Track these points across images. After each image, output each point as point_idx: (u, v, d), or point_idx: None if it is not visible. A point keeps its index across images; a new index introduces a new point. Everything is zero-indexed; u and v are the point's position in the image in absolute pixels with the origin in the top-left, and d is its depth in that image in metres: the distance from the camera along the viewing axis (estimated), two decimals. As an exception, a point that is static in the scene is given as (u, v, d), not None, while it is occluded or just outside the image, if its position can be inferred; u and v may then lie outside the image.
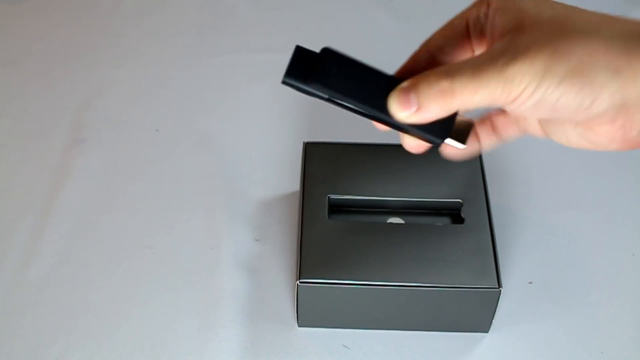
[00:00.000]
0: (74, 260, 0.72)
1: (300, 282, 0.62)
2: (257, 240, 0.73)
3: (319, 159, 0.71)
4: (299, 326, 0.67)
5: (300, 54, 0.48)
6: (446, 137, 0.48)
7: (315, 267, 0.63)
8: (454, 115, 0.46)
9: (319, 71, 0.46)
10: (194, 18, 0.98)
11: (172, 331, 0.66)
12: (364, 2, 1.01)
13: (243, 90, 0.89)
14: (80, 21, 0.97)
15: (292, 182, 0.78)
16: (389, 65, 0.92)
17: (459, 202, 0.68)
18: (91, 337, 0.66)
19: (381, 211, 0.69)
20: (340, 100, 0.47)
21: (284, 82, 0.47)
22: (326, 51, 0.48)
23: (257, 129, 0.84)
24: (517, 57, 0.42)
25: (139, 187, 0.78)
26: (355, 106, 0.47)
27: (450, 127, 0.47)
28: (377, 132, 0.84)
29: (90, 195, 0.77)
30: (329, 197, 0.68)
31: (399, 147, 0.73)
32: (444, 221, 0.69)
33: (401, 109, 0.45)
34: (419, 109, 0.44)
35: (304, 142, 0.73)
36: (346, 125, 0.85)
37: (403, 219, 0.69)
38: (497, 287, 0.62)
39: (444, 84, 0.43)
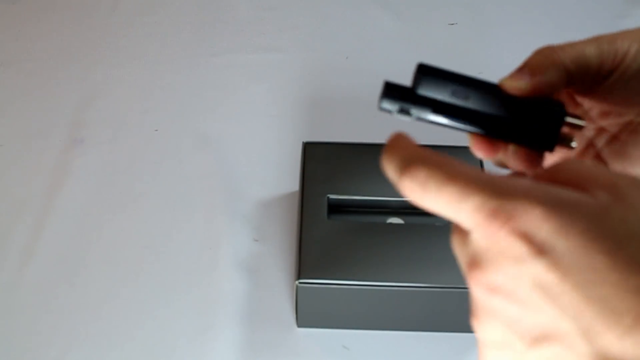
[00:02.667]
0: (73, 260, 0.71)
1: (300, 283, 0.62)
2: (257, 240, 0.73)
3: (318, 159, 0.71)
4: (298, 327, 0.67)
5: (389, 88, 0.45)
6: (554, 145, 0.42)
7: (314, 267, 0.63)
8: (561, 117, 0.41)
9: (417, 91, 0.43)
10: (194, 18, 0.98)
11: (171, 331, 0.66)
12: (364, 2, 1.01)
13: (243, 90, 0.89)
14: (79, 21, 0.97)
15: (291, 182, 0.78)
16: (389, 65, 0.92)
17: None
18: (91, 337, 0.66)
19: (381, 211, 0.69)
20: (446, 122, 0.44)
21: (381, 109, 0.43)
22: (422, 67, 0.44)
23: (257, 129, 0.84)
24: None
25: (138, 187, 0.78)
26: (463, 125, 0.44)
27: (557, 131, 0.41)
28: (376, 132, 0.84)
29: (89, 195, 0.77)
30: (328, 197, 0.68)
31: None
32: (444, 221, 0.69)
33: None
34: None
35: (303, 142, 0.73)
36: (345, 125, 0.85)
37: (403, 219, 0.69)
38: None
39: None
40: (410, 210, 0.70)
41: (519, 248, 0.30)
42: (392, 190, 0.70)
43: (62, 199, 0.76)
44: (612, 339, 0.28)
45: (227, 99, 0.88)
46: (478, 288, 0.32)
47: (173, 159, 0.81)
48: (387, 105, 0.43)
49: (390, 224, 0.68)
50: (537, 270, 0.30)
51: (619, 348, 0.28)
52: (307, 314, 0.65)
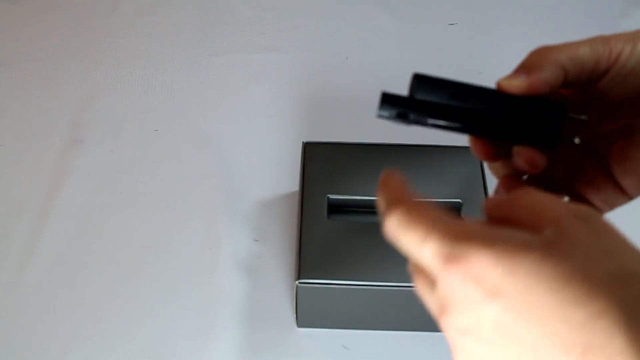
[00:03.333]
0: (73, 261, 0.71)
1: (300, 283, 0.62)
2: (257, 240, 0.73)
3: (319, 159, 0.71)
4: (298, 326, 0.67)
5: (386, 97, 0.44)
6: (557, 142, 0.42)
7: (314, 267, 0.63)
8: (562, 113, 0.42)
9: (414, 98, 0.43)
10: (194, 18, 0.98)
11: (171, 331, 0.66)
12: (364, 2, 1.01)
13: (243, 90, 0.89)
14: (79, 21, 0.97)
15: (291, 182, 0.78)
16: (389, 65, 0.92)
17: (459, 202, 0.68)
18: (91, 337, 0.66)
19: None
20: (444, 123, 0.43)
21: (379, 116, 0.43)
22: (418, 75, 0.44)
23: (257, 129, 0.84)
24: None
25: (138, 187, 0.78)
26: (462, 126, 0.43)
27: (558, 128, 0.42)
28: (376, 132, 0.84)
29: (89, 195, 0.77)
30: (328, 197, 0.68)
31: (398, 147, 0.73)
32: None
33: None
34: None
35: (303, 142, 0.73)
36: (345, 126, 0.85)
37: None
38: None
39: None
40: None
41: (473, 292, 0.33)
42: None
43: (62, 199, 0.76)
44: None
45: (227, 99, 0.88)
46: (449, 331, 0.34)
47: (173, 159, 0.81)
48: (385, 112, 0.42)
49: None
50: (493, 312, 0.32)
51: None
52: (307, 314, 0.65)
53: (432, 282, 0.36)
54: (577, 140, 0.42)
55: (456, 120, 0.43)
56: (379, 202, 0.40)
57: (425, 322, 0.66)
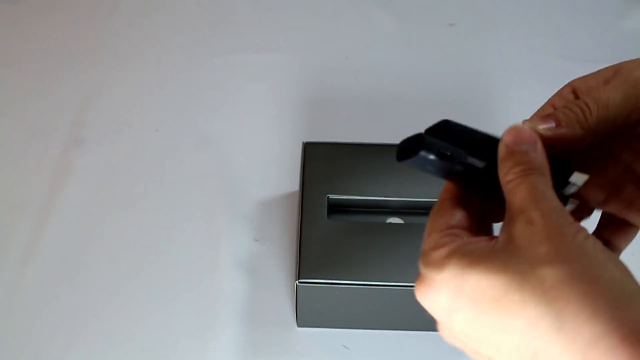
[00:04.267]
0: (73, 260, 0.72)
1: (300, 282, 0.62)
2: (257, 240, 0.73)
3: (319, 159, 0.71)
4: (298, 326, 0.67)
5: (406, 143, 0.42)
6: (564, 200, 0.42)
7: (314, 267, 0.63)
8: (567, 170, 0.41)
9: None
10: (194, 18, 0.98)
11: (171, 331, 0.66)
12: (364, 2, 1.01)
13: (243, 90, 0.89)
14: (80, 21, 0.97)
15: (291, 182, 0.78)
16: (389, 65, 0.92)
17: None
18: (91, 337, 0.66)
19: (380, 211, 0.69)
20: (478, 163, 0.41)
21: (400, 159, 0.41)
22: (445, 122, 0.42)
23: (257, 129, 0.84)
24: None
25: (138, 187, 0.78)
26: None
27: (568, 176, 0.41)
28: (376, 132, 0.84)
29: (89, 195, 0.77)
30: (328, 197, 0.68)
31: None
32: None
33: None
34: None
35: (303, 142, 0.73)
36: (345, 126, 0.85)
37: (402, 219, 0.69)
38: None
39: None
40: (410, 210, 0.70)
41: (437, 311, 0.39)
42: (392, 190, 0.71)
43: (62, 199, 0.76)
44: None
45: (227, 99, 0.88)
46: (447, 340, 0.41)
47: (173, 159, 0.81)
48: (429, 153, 0.40)
49: (390, 224, 0.69)
50: (454, 324, 0.37)
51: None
52: (307, 314, 0.65)
53: None
54: (569, 207, 0.41)
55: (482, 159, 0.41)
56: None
57: (425, 322, 0.66)
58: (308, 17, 0.98)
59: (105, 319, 0.67)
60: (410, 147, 0.40)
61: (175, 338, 0.66)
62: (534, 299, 0.33)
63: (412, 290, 0.62)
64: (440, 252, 0.38)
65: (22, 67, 0.91)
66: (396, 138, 0.82)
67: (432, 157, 0.40)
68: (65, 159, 0.80)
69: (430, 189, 0.69)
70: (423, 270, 0.39)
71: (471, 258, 0.36)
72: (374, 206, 0.69)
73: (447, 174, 0.41)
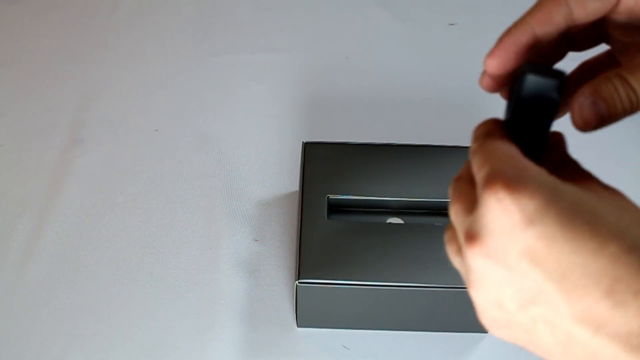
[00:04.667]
0: (73, 260, 0.72)
1: (300, 283, 0.62)
2: (257, 240, 0.73)
3: (319, 159, 0.71)
4: (298, 326, 0.67)
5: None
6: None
7: (314, 267, 0.63)
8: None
9: None
10: (194, 18, 0.98)
11: (171, 331, 0.66)
12: (364, 2, 1.01)
13: (243, 90, 0.89)
14: (79, 21, 0.97)
15: (291, 182, 0.78)
16: (389, 65, 0.92)
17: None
18: (91, 337, 0.66)
19: (380, 211, 0.69)
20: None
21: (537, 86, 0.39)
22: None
23: (257, 129, 0.84)
24: None
25: (138, 187, 0.78)
26: None
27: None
28: (376, 132, 0.84)
29: (89, 195, 0.77)
30: (328, 197, 0.68)
31: (398, 147, 0.73)
32: (444, 221, 0.69)
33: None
34: None
35: (303, 142, 0.73)
36: (345, 126, 0.85)
37: (402, 219, 0.69)
38: None
39: None
40: (410, 210, 0.70)
41: (512, 217, 0.34)
42: (392, 190, 0.71)
43: (62, 199, 0.76)
44: (591, 302, 0.32)
45: (227, 99, 0.88)
46: (474, 256, 0.35)
47: (173, 159, 0.81)
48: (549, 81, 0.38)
49: (390, 224, 0.69)
50: (526, 238, 0.33)
51: (597, 310, 0.32)
52: (307, 314, 0.65)
53: (467, 212, 0.37)
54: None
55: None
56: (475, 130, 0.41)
57: (426, 322, 0.66)
58: (308, 17, 0.98)
59: (105, 319, 0.67)
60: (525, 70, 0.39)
61: (175, 338, 0.66)
62: (631, 230, 0.33)
63: (412, 291, 0.62)
64: (531, 164, 0.36)
65: (22, 67, 0.91)
66: (396, 138, 0.82)
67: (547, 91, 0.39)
68: (65, 159, 0.80)
69: (430, 189, 0.69)
70: (513, 172, 0.35)
71: (565, 183, 0.35)
72: (374, 206, 0.69)
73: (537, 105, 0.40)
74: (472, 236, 0.36)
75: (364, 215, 0.69)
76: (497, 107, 0.87)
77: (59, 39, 0.94)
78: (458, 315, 0.65)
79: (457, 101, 0.88)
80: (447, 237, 0.41)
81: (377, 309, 0.65)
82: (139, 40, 0.95)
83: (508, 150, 0.37)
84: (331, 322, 0.66)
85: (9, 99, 0.87)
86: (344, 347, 0.66)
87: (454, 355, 0.66)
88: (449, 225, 0.40)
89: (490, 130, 0.41)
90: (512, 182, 0.34)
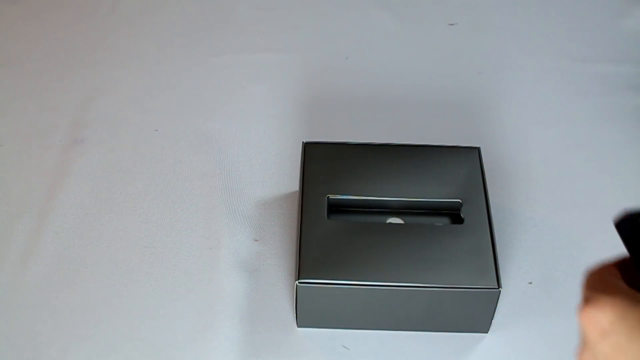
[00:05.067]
0: (73, 260, 0.72)
1: (300, 283, 0.62)
2: (257, 240, 0.73)
3: (319, 159, 0.71)
4: (298, 326, 0.67)
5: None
6: None
7: (314, 267, 0.63)
8: None
9: None
10: (194, 18, 0.98)
11: (171, 331, 0.66)
12: (364, 2, 1.01)
13: (243, 90, 0.89)
14: (80, 21, 0.97)
15: (291, 182, 0.78)
16: (389, 65, 0.92)
17: (459, 202, 0.68)
18: (91, 337, 0.66)
19: (381, 211, 0.69)
20: None
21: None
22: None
23: (257, 129, 0.84)
24: None
25: (138, 187, 0.78)
26: None
27: None
28: (375, 132, 0.84)
29: (89, 195, 0.77)
30: (328, 197, 0.68)
31: (398, 147, 0.73)
32: (444, 221, 0.69)
33: None
34: None
35: (303, 142, 0.73)
36: (345, 126, 0.85)
37: (402, 219, 0.69)
38: (497, 287, 0.62)
39: None
40: (410, 210, 0.70)
41: (592, 332, 0.42)
42: (392, 190, 0.71)
43: (62, 199, 0.76)
44: None
45: (227, 99, 0.88)
46: None
47: (173, 159, 0.81)
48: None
49: (390, 223, 0.68)
50: (604, 348, 0.42)
51: None
52: (307, 314, 0.65)
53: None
54: None
55: None
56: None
57: (426, 322, 0.66)
58: (308, 17, 0.98)
59: (105, 319, 0.67)
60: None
61: (175, 338, 0.66)
62: None
63: (412, 291, 0.62)
64: (614, 279, 0.44)
65: (22, 67, 0.91)
66: (396, 138, 0.82)
67: None
68: (65, 159, 0.80)
69: (430, 189, 0.69)
70: (595, 292, 0.44)
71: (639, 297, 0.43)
72: (375, 206, 0.69)
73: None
74: (581, 347, 0.44)
75: (364, 215, 0.69)
76: (497, 107, 0.87)
77: (59, 39, 0.94)
78: (457, 315, 0.65)
79: (457, 101, 0.88)
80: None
81: (377, 309, 0.65)
82: (139, 40, 0.95)
83: (601, 273, 0.46)
84: (331, 322, 0.66)
85: (9, 99, 0.87)
86: (344, 347, 0.66)
87: (454, 356, 0.66)
88: None
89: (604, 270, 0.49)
90: (592, 301, 0.42)
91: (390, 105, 0.87)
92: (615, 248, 0.71)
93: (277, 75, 0.91)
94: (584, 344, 0.43)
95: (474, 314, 0.65)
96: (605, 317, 0.42)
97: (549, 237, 0.74)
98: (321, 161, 0.71)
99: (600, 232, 0.74)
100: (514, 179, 0.79)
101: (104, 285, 0.70)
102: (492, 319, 0.65)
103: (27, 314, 0.68)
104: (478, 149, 0.72)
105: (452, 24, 0.98)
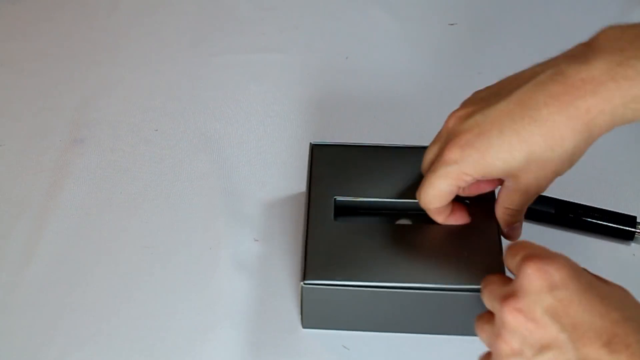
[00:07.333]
0: (73, 260, 0.71)
1: (305, 284, 0.62)
2: (257, 240, 0.73)
3: (326, 161, 0.71)
4: (303, 327, 0.66)
5: None
6: None
7: (320, 268, 0.63)
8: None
9: None
10: (194, 18, 0.98)
11: (171, 332, 0.66)
12: (364, 2, 1.00)
13: (243, 90, 0.89)
14: (79, 21, 0.97)
15: (291, 182, 0.78)
16: (389, 65, 0.92)
17: (466, 202, 0.68)
18: (90, 337, 0.66)
19: (388, 213, 0.69)
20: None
21: None
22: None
23: (257, 129, 0.84)
24: None
25: (138, 187, 0.78)
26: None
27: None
28: (375, 133, 0.84)
29: (89, 195, 0.77)
30: (335, 199, 0.68)
31: (405, 150, 0.73)
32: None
33: None
34: None
35: (310, 143, 0.72)
36: (345, 125, 0.85)
37: (411, 221, 0.69)
38: None
39: None
40: (418, 211, 0.69)
41: (541, 282, 0.46)
42: (400, 192, 0.70)
43: (62, 199, 0.76)
44: (593, 349, 0.45)
45: (227, 99, 0.87)
46: (509, 311, 0.47)
47: (173, 159, 0.81)
48: None
49: (398, 224, 0.68)
50: (550, 299, 0.46)
51: (597, 355, 0.44)
52: (312, 315, 0.65)
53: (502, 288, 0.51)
54: None
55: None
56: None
57: (432, 325, 0.66)
58: (308, 17, 0.98)
59: (105, 319, 0.67)
60: None
61: (175, 339, 0.66)
62: (634, 306, 0.48)
63: (418, 293, 0.62)
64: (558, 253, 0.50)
65: (22, 67, 0.91)
66: (396, 137, 0.82)
67: None
68: (65, 159, 0.80)
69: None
70: (543, 252, 0.48)
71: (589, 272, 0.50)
72: (382, 208, 0.69)
73: None
74: (509, 295, 0.48)
75: (372, 217, 0.69)
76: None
77: (59, 39, 0.94)
78: (464, 317, 0.65)
79: (457, 101, 0.88)
80: (477, 318, 0.54)
81: (382, 310, 0.65)
82: (139, 40, 0.95)
83: (536, 244, 0.50)
84: (336, 324, 0.66)
85: (9, 99, 0.87)
86: (344, 347, 0.66)
87: (457, 359, 0.66)
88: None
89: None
90: (545, 257, 0.47)
91: (390, 105, 0.87)
92: (617, 247, 0.71)
93: (277, 75, 0.90)
94: (521, 292, 0.47)
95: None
96: (558, 272, 0.46)
97: (552, 237, 0.74)
98: (328, 163, 0.71)
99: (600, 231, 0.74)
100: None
101: (104, 285, 0.70)
102: None
103: (27, 314, 0.68)
104: None
105: (452, 24, 0.98)
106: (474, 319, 0.65)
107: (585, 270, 0.48)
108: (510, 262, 0.50)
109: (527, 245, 0.50)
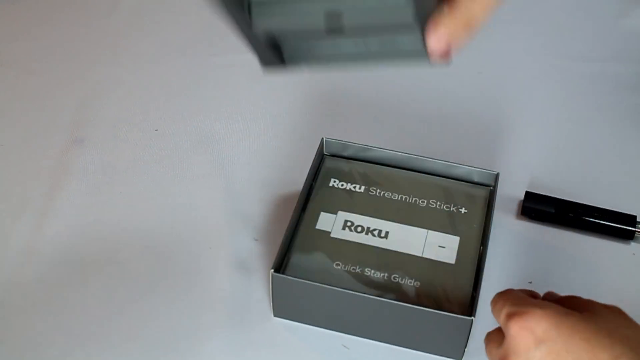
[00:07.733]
0: (73, 260, 0.71)
1: (274, 272, 0.63)
2: (257, 240, 0.73)
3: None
4: (274, 316, 0.66)
5: None
6: None
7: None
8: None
9: None
10: (194, 18, 0.98)
11: (171, 331, 0.66)
12: (363, 2, 1.00)
13: (243, 90, 0.89)
14: (79, 21, 0.97)
15: (291, 182, 0.78)
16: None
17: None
18: (90, 337, 0.66)
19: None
20: None
21: None
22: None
23: (257, 129, 0.84)
24: None
25: (138, 187, 0.78)
26: None
27: None
28: (375, 132, 0.84)
29: (89, 195, 0.77)
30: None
31: (410, 157, 0.73)
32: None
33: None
34: None
35: (322, 154, 0.73)
36: (345, 125, 0.85)
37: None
38: (470, 315, 0.60)
39: None
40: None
41: (526, 339, 0.48)
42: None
43: (62, 199, 0.76)
44: None
45: (227, 99, 0.88)
46: None
47: (173, 159, 0.81)
48: None
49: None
50: (538, 354, 0.47)
51: None
52: (282, 305, 0.66)
53: (501, 339, 0.51)
54: None
55: None
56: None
57: (400, 338, 0.65)
58: (308, 17, 0.98)
59: (104, 318, 0.67)
60: None
61: (175, 338, 0.66)
62: (619, 342, 0.46)
63: (390, 304, 0.61)
64: (539, 300, 0.51)
65: (22, 67, 0.91)
66: (396, 137, 0.82)
67: None
68: (65, 159, 0.80)
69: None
70: (523, 307, 0.49)
71: (566, 310, 0.49)
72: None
73: None
74: (504, 356, 0.49)
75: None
76: (497, 107, 0.87)
77: (59, 39, 0.94)
78: (428, 335, 0.64)
79: (457, 101, 0.88)
80: None
81: (350, 313, 0.64)
82: (138, 40, 0.95)
83: (517, 294, 0.52)
84: (308, 319, 0.66)
85: (9, 99, 0.87)
86: (344, 346, 0.66)
87: None
88: None
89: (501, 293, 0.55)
90: (524, 313, 0.48)
91: (390, 105, 0.87)
92: (617, 247, 0.71)
93: (277, 75, 0.90)
94: (512, 354, 0.48)
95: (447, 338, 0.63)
96: (539, 326, 0.47)
97: (549, 237, 0.74)
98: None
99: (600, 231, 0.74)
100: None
101: (104, 285, 0.70)
102: (465, 347, 0.62)
103: (27, 314, 0.68)
104: (497, 174, 0.71)
105: (452, 24, 0.98)
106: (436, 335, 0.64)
107: (568, 312, 0.49)
108: (496, 316, 0.52)
109: (508, 298, 0.51)
